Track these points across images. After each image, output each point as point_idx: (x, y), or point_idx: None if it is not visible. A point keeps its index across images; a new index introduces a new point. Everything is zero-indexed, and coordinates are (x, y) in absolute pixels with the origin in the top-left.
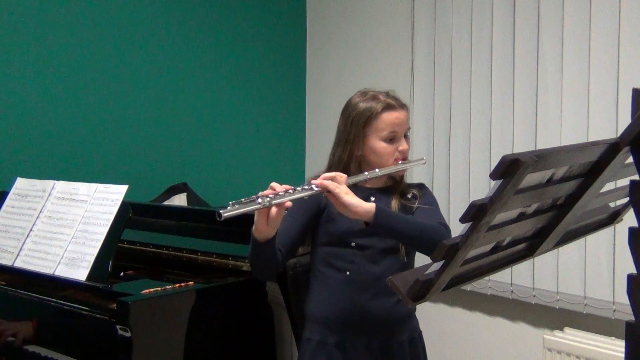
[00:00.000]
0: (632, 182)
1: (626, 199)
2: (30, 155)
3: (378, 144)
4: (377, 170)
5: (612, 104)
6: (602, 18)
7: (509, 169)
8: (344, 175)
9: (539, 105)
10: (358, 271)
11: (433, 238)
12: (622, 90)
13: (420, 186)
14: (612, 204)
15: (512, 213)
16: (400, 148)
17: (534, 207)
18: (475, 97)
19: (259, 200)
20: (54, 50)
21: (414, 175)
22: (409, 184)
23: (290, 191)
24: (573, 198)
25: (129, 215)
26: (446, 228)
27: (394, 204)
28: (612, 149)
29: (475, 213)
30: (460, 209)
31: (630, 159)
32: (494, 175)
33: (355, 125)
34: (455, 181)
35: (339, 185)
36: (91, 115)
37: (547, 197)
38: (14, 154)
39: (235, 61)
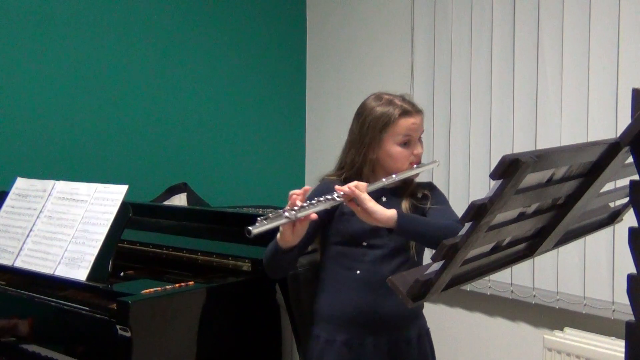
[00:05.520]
0: (632, 182)
1: (626, 199)
2: (30, 155)
3: (394, 149)
4: (393, 175)
5: (612, 104)
6: (602, 18)
7: (509, 169)
8: (364, 184)
9: (539, 105)
10: (368, 270)
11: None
12: (622, 90)
13: (430, 186)
14: (612, 204)
15: (512, 213)
16: (416, 152)
17: (534, 207)
18: (475, 97)
19: (286, 214)
20: (54, 50)
21: None
22: (418, 183)
23: (314, 202)
24: (573, 198)
25: (129, 215)
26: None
27: (405, 205)
28: (612, 149)
29: (475, 213)
30: (460, 209)
31: (630, 159)
32: (494, 175)
33: (372, 129)
34: (455, 181)
35: (362, 193)
36: (91, 115)
37: (547, 197)
38: (14, 154)
39: (236, 62)
